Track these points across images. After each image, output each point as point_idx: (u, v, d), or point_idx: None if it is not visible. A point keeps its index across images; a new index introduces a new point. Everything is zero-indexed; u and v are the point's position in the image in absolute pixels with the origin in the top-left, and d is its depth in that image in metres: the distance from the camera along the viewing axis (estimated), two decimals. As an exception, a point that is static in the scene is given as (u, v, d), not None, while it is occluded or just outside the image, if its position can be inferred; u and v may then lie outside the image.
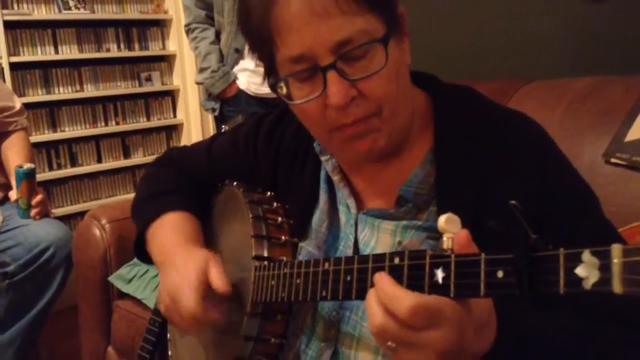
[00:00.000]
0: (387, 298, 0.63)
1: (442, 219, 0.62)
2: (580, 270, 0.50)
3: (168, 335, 1.24)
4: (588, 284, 0.49)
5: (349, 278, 0.74)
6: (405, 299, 0.61)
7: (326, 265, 0.79)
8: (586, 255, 0.50)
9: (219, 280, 0.96)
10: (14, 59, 3.37)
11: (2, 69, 3.28)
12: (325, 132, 0.85)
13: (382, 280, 0.65)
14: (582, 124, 1.50)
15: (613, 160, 1.40)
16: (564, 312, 0.72)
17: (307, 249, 0.99)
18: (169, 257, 1.03)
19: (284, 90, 0.84)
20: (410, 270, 0.65)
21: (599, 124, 1.47)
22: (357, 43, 0.77)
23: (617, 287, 0.47)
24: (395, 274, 0.66)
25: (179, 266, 0.99)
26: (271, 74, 0.87)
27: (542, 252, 0.54)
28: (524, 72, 1.95)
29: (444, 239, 0.63)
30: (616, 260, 0.47)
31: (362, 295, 0.72)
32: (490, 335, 0.67)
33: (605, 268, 0.48)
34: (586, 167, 1.42)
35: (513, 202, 0.59)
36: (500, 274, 0.57)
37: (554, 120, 1.54)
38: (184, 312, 0.95)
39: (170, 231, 1.08)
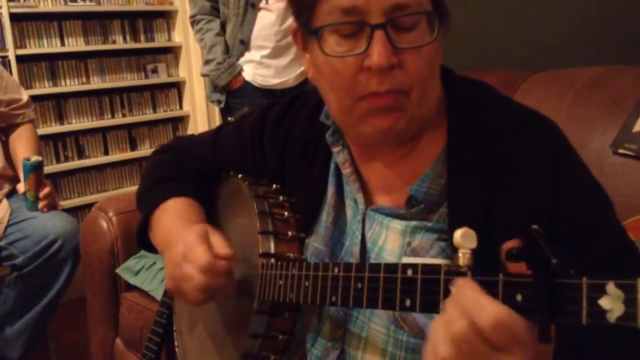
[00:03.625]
0: (470, 302, 0.57)
1: (458, 234, 0.60)
2: (604, 302, 0.48)
3: (174, 327, 1.24)
4: (612, 317, 0.48)
5: (359, 286, 0.73)
6: (491, 309, 0.55)
7: (336, 270, 0.77)
8: (610, 287, 0.48)
9: (220, 244, 0.96)
10: (21, 52, 3.37)
11: (9, 61, 3.28)
12: (351, 99, 0.81)
13: (466, 284, 0.59)
14: (591, 113, 1.49)
15: (621, 150, 1.40)
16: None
17: (314, 244, 0.98)
18: (171, 239, 1.01)
19: (322, 42, 0.81)
20: (424, 284, 0.64)
21: (607, 114, 1.46)
22: (413, 10, 0.76)
23: None
24: (407, 286, 0.65)
25: (180, 240, 0.97)
26: (306, 25, 0.84)
27: (563, 279, 0.52)
28: (532, 62, 1.94)
29: (460, 254, 0.61)
30: None
31: (373, 304, 0.71)
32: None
33: (630, 302, 0.47)
34: (594, 157, 1.42)
35: (535, 226, 0.56)
36: (519, 297, 0.55)
37: (562, 110, 1.53)
38: (196, 264, 0.92)
39: (173, 216, 1.07)
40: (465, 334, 0.56)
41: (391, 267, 0.69)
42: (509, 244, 0.59)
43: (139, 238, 1.16)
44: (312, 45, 0.84)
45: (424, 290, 0.63)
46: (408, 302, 0.66)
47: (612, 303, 0.48)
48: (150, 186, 1.16)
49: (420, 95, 0.80)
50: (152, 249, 1.12)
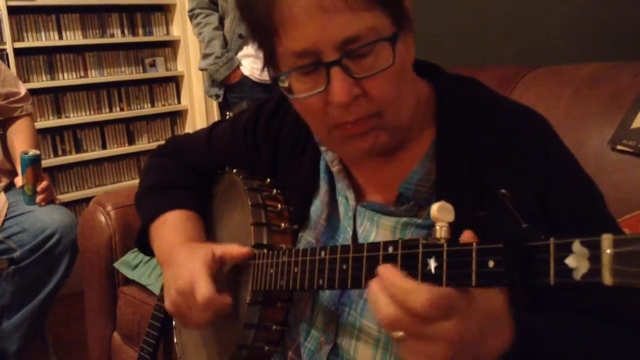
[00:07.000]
0: (399, 291, 0.61)
1: (435, 208, 0.61)
2: (570, 261, 0.49)
3: (173, 322, 1.25)
4: (578, 275, 0.49)
5: (344, 267, 0.74)
6: (421, 293, 0.59)
7: (322, 254, 0.79)
8: (576, 245, 0.49)
9: (234, 249, 0.96)
10: (18, 45, 3.36)
11: (7, 54, 3.28)
12: (325, 128, 0.82)
13: (388, 271, 0.63)
14: (589, 110, 1.49)
15: (619, 147, 1.40)
16: (585, 317, 0.71)
17: (307, 238, 0.99)
18: (171, 256, 1.02)
19: (286, 84, 0.82)
20: (404, 259, 0.65)
21: (605, 111, 1.46)
22: (365, 41, 0.75)
23: (607, 278, 0.47)
24: (389, 262, 0.66)
25: (183, 263, 0.97)
26: (270, 63, 0.84)
27: (532, 242, 0.53)
28: (530, 58, 1.94)
29: (437, 227, 0.62)
30: (607, 250, 0.47)
31: (357, 283, 0.73)
32: (505, 333, 0.65)
33: (595, 259, 0.47)
34: (592, 154, 1.42)
35: (503, 191, 0.58)
36: (491, 263, 0.56)
37: (560, 106, 1.53)
38: (198, 300, 0.93)
39: (172, 231, 1.08)
40: (397, 318, 0.60)
41: (374, 246, 0.70)
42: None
43: (139, 244, 1.17)
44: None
45: (403, 265, 0.65)
46: None
47: (577, 261, 0.49)
48: (149, 193, 1.17)
49: (394, 111, 0.80)
50: (152, 254, 1.13)
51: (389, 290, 0.62)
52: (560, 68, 1.67)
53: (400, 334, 0.61)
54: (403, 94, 0.81)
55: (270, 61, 0.84)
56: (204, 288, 0.92)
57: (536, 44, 2.03)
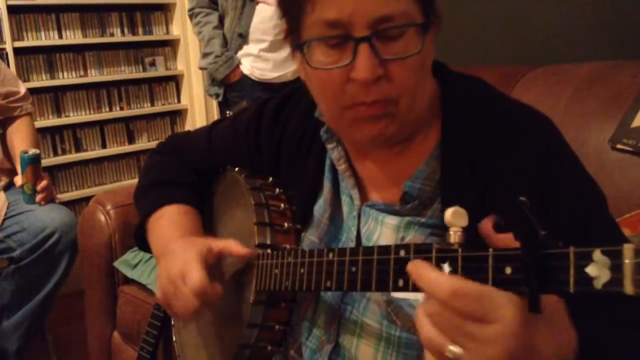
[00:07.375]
0: (426, 283, 0.59)
1: (449, 212, 0.61)
2: (591, 270, 0.49)
3: (172, 321, 1.25)
4: (599, 284, 0.48)
5: (353, 269, 0.74)
6: (445, 282, 0.57)
7: (330, 255, 0.78)
8: (597, 254, 0.49)
9: (234, 247, 0.95)
10: (18, 44, 3.36)
11: (7, 54, 3.27)
12: (339, 107, 0.82)
13: (417, 265, 0.62)
14: (589, 109, 1.49)
15: (619, 146, 1.40)
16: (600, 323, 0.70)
17: (310, 238, 0.99)
18: (167, 248, 1.01)
19: (309, 54, 0.81)
20: None
21: (605, 110, 1.46)
22: (397, 23, 0.76)
23: (628, 288, 0.47)
24: (400, 266, 0.66)
25: (178, 254, 0.97)
26: (294, 33, 0.84)
27: (551, 250, 0.53)
28: (530, 57, 1.94)
29: (451, 232, 0.61)
30: (627, 260, 0.47)
31: (366, 286, 0.72)
32: (566, 339, 0.62)
33: (616, 268, 0.48)
34: (593, 153, 1.42)
35: (522, 198, 0.57)
36: (508, 270, 0.56)
37: (560, 106, 1.53)
38: (189, 287, 0.92)
39: (169, 224, 1.08)
40: (435, 310, 0.58)
41: (384, 249, 0.69)
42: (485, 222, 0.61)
43: (137, 240, 1.17)
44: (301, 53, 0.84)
45: None
46: (401, 282, 0.67)
47: (598, 270, 0.49)
48: (147, 189, 1.17)
49: (409, 102, 0.80)
50: (150, 250, 1.13)
51: (420, 286, 0.61)
52: (560, 67, 1.67)
53: (455, 349, 0.58)
54: (420, 87, 0.82)
55: (294, 31, 0.83)
56: (195, 275, 0.92)
57: (536, 43, 2.03)
